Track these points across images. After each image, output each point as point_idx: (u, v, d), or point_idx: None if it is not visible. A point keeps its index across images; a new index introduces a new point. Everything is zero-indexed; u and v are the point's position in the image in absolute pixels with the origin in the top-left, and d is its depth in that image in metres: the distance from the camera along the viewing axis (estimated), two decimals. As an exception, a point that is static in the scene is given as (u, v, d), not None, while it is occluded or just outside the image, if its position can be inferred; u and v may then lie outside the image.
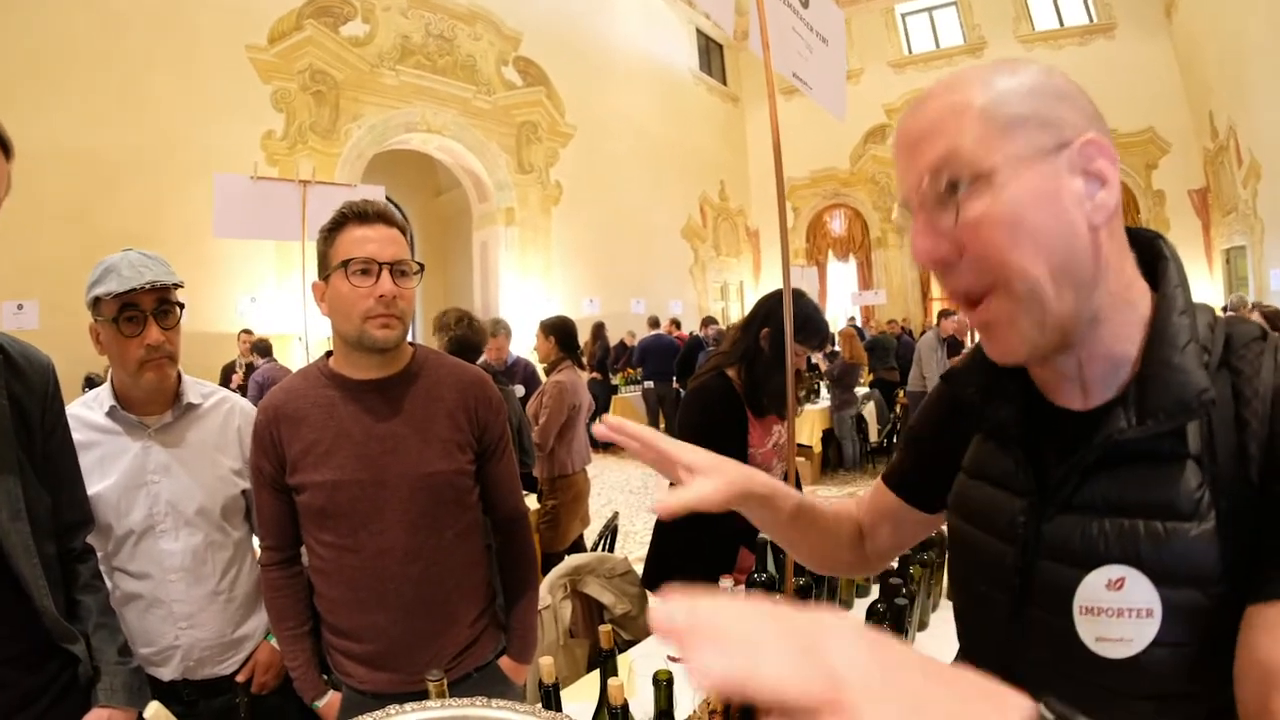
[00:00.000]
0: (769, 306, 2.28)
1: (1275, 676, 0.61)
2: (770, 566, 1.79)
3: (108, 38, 7.48)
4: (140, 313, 1.54)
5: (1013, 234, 0.67)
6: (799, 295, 2.01)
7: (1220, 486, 0.67)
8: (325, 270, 1.48)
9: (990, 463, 0.84)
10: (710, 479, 0.85)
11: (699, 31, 16.80)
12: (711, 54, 17.47)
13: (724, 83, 17.82)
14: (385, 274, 1.43)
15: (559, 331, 4.17)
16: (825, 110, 1.91)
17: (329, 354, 1.58)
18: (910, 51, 16.13)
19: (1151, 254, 0.76)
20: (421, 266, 1.53)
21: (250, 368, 7.22)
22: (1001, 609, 0.80)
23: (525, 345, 8.24)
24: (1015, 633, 0.78)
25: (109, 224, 7.06)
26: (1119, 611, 0.69)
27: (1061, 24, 14.33)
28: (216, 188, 4.58)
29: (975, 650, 0.89)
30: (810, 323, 2.22)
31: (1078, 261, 0.68)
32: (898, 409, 8.63)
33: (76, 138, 6.93)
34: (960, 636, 0.93)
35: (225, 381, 6.82)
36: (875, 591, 1.99)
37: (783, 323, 2.20)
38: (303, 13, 9.29)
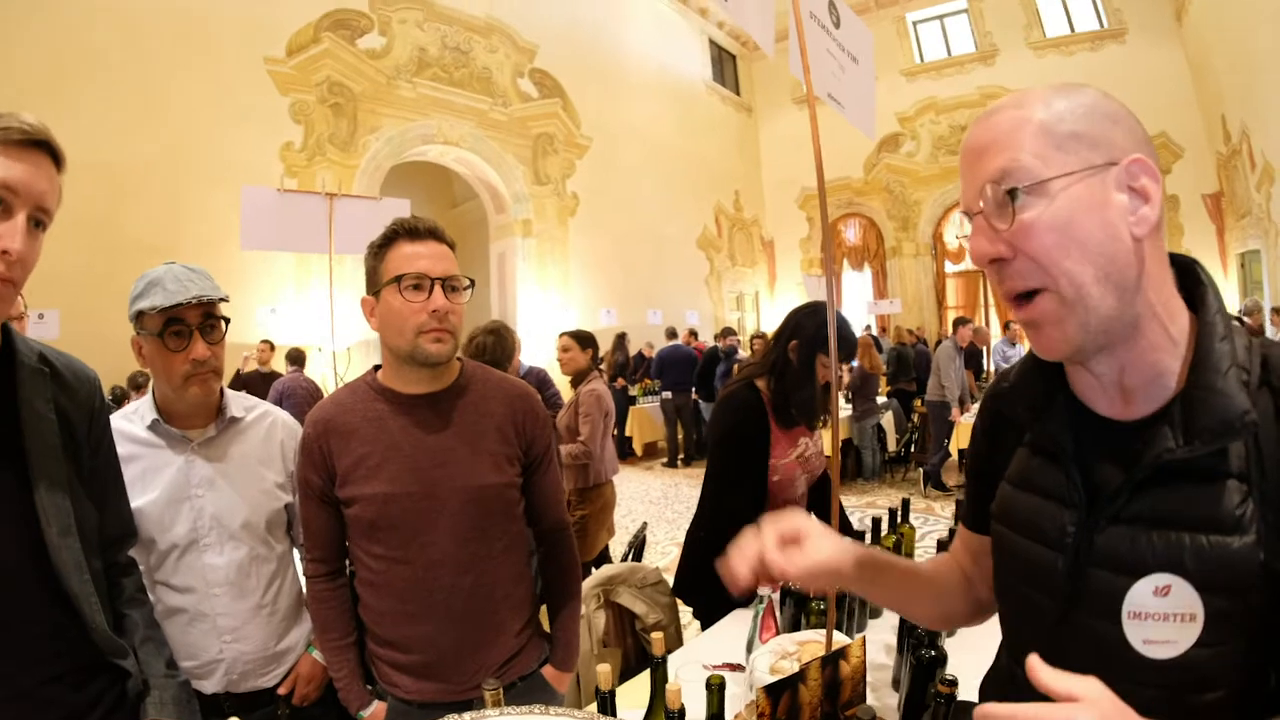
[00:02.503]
0: (798, 319, 2.32)
1: None
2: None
3: (128, 48, 7.58)
4: (186, 327, 1.53)
5: (1062, 238, 0.73)
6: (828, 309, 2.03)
7: (1269, 501, 0.70)
8: (375, 286, 1.50)
9: (1038, 474, 0.87)
10: (828, 541, 0.92)
11: (711, 42, 16.87)
12: (724, 64, 17.52)
13: (737, 93, 17.86)
14: (438, 289, 1.45)
15: (595, 345, 4.44)
16: (853, 126, 1.94)
17: (377, 368, 1.60)
18: (922, 59, 16.03)
19: (1190, 278, 0.81)
20: (472, 282, 1.55)
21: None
22: (1048, 614, 0.83)
23: (540, 356, 8.28)
24: (1062, 636, 0.81)
25: (128, 234, 7.14)
26: (1165, 616, 0.73)
27: (1073, 30, 14.20)
28: (244, 200, 4.62)
29: (1021, 653, 0.92)
30: (839, 335, 2.25)
31: (1120, 267, 0.73)
32: (915, 418, 8.62)
33: (97, 148, 6.99)
34: (1006, 638, 0.96)
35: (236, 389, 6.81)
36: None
37: (811, 335, 2.24)
38: (320, 25, 9.39)
